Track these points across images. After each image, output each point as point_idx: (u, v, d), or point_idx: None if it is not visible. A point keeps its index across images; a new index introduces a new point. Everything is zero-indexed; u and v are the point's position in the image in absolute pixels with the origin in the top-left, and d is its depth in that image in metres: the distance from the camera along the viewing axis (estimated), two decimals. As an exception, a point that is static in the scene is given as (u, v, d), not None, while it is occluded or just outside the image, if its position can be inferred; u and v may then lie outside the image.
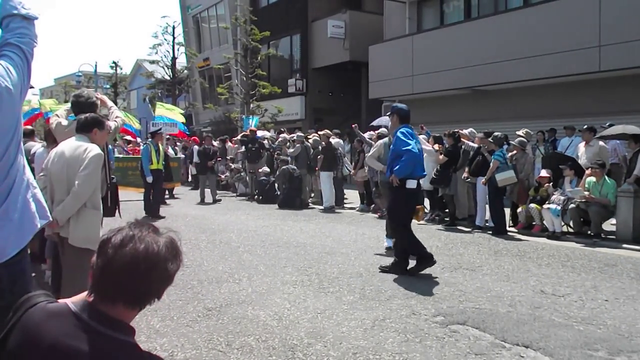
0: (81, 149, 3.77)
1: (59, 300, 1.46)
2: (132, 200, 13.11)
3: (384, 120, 15.94)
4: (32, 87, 2.24)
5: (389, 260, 6.44)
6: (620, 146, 10.28)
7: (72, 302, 1.42)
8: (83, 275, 1.50)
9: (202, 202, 13.81)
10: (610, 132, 9.54)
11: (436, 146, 10.17)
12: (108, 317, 1.37)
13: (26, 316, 1.39)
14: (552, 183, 8.88)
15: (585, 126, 9.98)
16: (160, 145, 11.55)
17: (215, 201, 13.85)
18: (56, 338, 1.32)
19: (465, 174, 9.54)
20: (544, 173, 9.02)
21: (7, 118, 1.88)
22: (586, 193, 8.20)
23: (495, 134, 9.41)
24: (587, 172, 8.55)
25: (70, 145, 3.84)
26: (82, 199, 3.70)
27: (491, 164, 8.84)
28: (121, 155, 15.71)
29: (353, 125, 13.07)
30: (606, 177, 8.38)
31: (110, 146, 12.36)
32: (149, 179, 10.97)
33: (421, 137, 11.05)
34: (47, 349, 1.32)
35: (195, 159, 18.39)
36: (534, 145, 11.87)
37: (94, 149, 3.77)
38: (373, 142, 11.96)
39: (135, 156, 16.08)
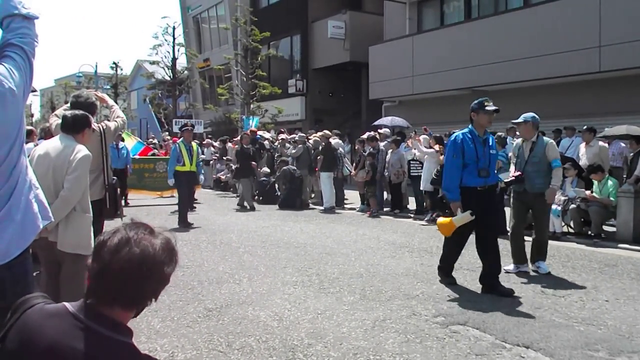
0: (68, 150, 3.62)
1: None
2: (148, 205, 12.70)
3: (388, 120, 15.93)
4: (34, 90, 2.23)
5: (386, 261, 6.41)
6: (626, 149, 10.28)
7: (71, 303, 1.43)
8: (80, 280, 1.51)
9: (253, 209, 12.28)
10: (613, 132, 9.55)
11: (437, 146, 10.17)
12: (106, 318, 1.38)
13: (24, 317, 1.40)
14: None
15: (585, 127, 9.98)
16: (193, 144, 10.32)
17: (252, 208, 12.37)
18: (54, 338, 1.33)
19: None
20: None
21: (10, 119, 1.88)
22: (587, 192, 8.20)
23: (498, 134, 9.42)
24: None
25: (54, 146, 3.69)
26: (72, 202, 3.57)
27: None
28: (137, 157, 14.49)
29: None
30: (609, 178, 8.36)
31: (126, 146, 11.67)
32: (171, 182, 10.16)
33: (423, 137, 11.07)
34: (45, 349, 1.32)
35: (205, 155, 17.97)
36: None
37: (81, 150, 3.64)
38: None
39: (152, 157, 15.11)
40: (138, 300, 1.42)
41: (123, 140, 12.61)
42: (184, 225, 9.70)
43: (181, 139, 10.35)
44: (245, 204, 12.56)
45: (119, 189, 11.26)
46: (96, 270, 1.38)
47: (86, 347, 1.32)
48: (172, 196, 12.63)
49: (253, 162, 12.90)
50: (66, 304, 1.42)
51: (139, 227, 1.44)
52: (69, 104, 4.55)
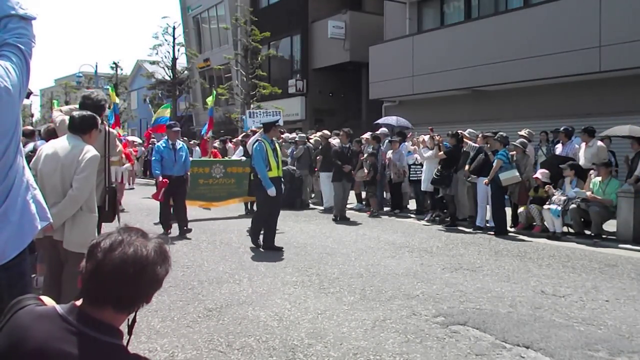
0: (76, 150, 3.66)
1: (47, 303, 1.47)
2: (202, 219, 10.48)
3: (393, 120, 15.90)
4: (30, 93, 2.22)
5: (386, 261, 6.40)
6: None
7: (60, 305, 1.43)
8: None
9: (343, 218, 10.51)
10: (616, 133, 9.55)
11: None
12: (95, 320, 1.38)
13: (14, 318, 1.40)
14: (552, 185, 8.87)
15: (584, 127, 9.98)
16: (277, 144, 7.94)
17: (343, 217, 10.53)
18: (43, 340, 1.33)
19: (465, 172, 9.52)
20: (539, 174, 9.03)
21: (6, 119, 1.87)
22: (588, 193, 8.20)
23: (500, 133, 9.42)
24: (592, 172, 8.57)
25: (62, 145, 3.72)
26: (80, 202, 3.62)
27: (494, 164, 8.84)
28: (190, 158, 10.48)
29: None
30: (613, 177, 8.35)
31: (183, 144, 9.28)
32: (271, 192, 7.31)
33: (425, 137, 11.01)
34: (33, 350, 1.32)
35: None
36: (537, 146, 11.80)
37: (90, 151, 3.69)
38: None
39: (207, 160, 12.33)
40: (130, 301, 1.42)
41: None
42: (269, 247, 7.44)
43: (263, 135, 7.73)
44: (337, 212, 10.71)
45: (171, 202, 9.20)
46: (89, 269, 1.39)
47: (74, 349, 1.32)
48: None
49: (348, 166, 10.86)
50: (56, 306, 1.43)
51: (132, 231, 1.46)
52: (77, 105, 4.55)
